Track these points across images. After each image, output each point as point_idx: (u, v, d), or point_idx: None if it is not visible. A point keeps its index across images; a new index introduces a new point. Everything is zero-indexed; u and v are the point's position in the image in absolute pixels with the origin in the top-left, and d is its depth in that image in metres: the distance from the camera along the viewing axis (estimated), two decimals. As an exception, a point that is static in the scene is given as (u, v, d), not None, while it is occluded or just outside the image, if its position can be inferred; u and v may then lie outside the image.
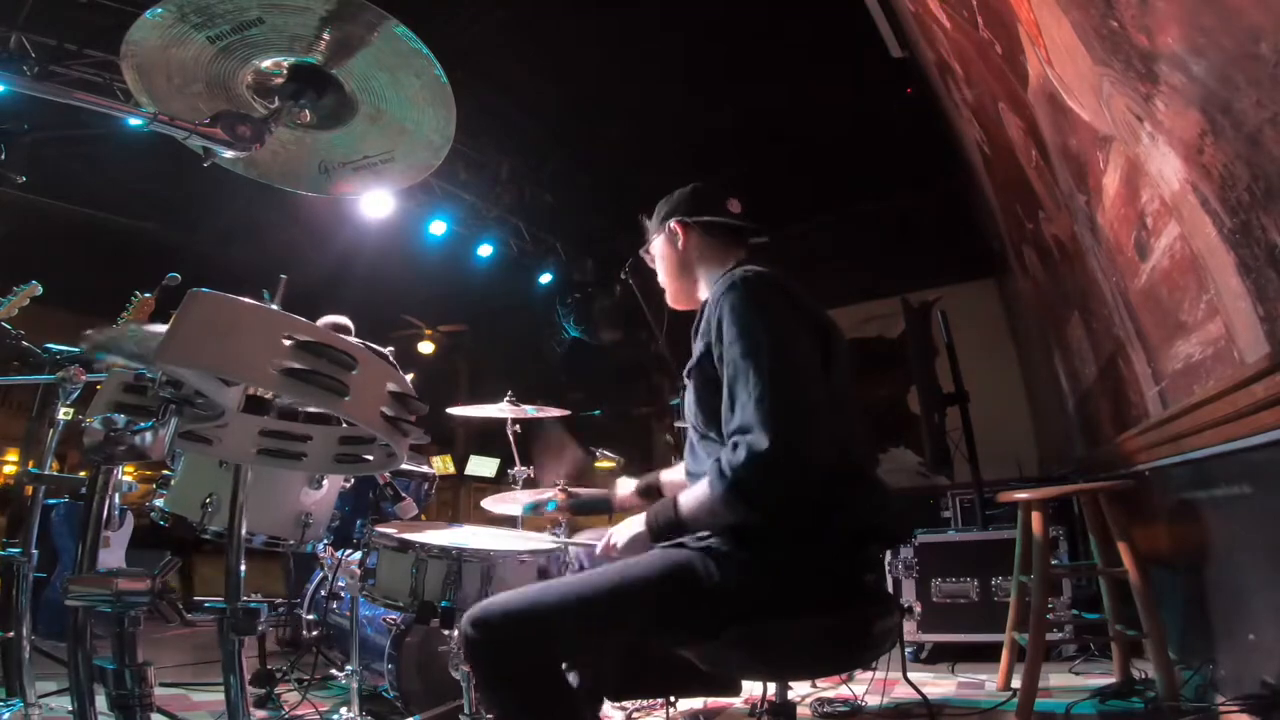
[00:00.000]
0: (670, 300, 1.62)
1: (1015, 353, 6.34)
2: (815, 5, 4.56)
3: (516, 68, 5.50)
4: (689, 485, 1.32)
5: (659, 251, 1.59)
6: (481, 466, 8.98)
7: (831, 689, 2.64)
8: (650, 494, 1.73)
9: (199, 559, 4.64)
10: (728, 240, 1.53)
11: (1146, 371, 2.53)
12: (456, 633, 1.17)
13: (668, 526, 1.27)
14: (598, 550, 1.39)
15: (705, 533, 1.25)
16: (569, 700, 1.22)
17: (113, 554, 3.24)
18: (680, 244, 1.53)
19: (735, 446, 1.17)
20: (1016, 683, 2.38)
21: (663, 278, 1.60)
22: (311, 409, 1.01)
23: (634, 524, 1.35)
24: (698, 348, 1.36)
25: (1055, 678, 2.71)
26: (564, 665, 1.27)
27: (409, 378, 0.95)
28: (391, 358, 3.58)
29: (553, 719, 1.17)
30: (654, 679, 1.56)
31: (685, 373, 1.40)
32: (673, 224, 1.54)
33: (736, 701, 2.39)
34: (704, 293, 1.51)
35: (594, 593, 1.22)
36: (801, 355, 1.25)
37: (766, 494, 1.16)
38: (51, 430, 2.08)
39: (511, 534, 2.18)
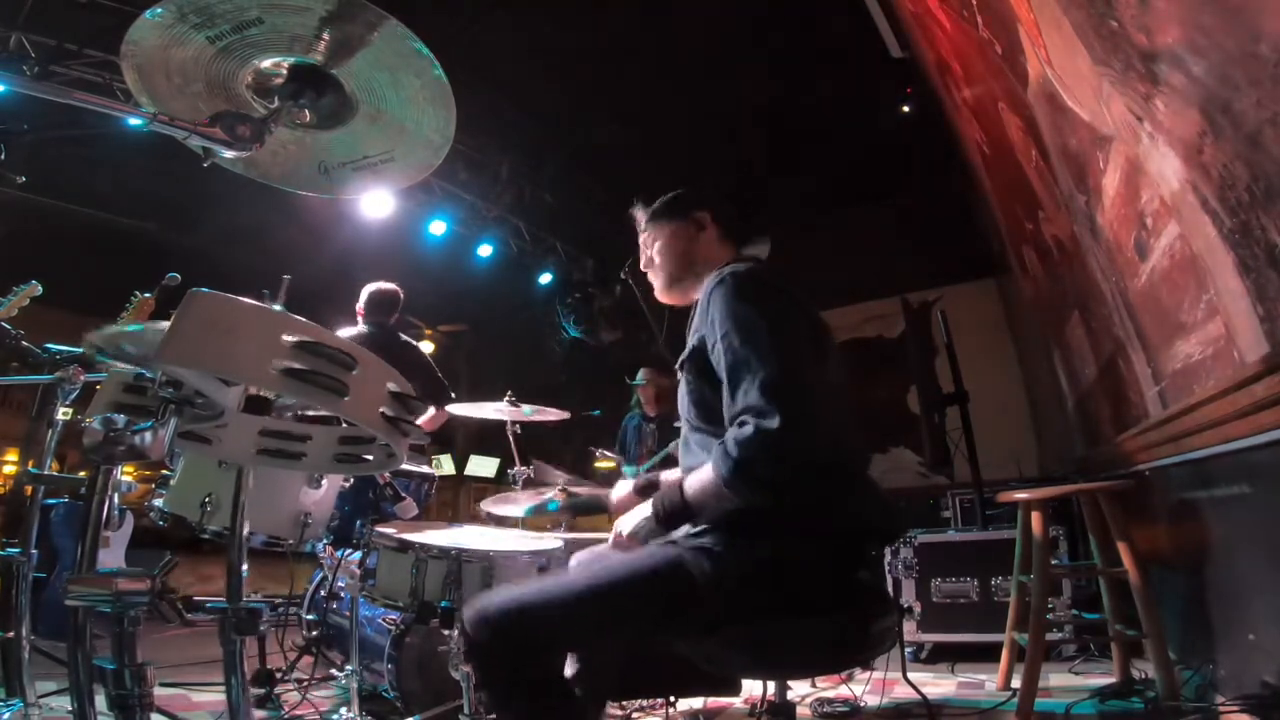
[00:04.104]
0: (660, 292, 1.56)
1: (1015, 353, 6.34)
2: (815, 5, 4.57)
3: (516, 68, 5.50)
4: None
5: (668, 236, 1.53)
6: (481, 466, 8.99)
7: (831, 689, 2.63)
8: (649, 493, 1.72)
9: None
10: (731, 246, 1.53)
11: (1146, 371, 2.53)
12: (456, 632, 1.16)
13: (674, 511, 1.25)
14: (609, 545, 1.38)
15: (697, 530, 1.25)
16: (568, 697, 1.23)
17: (113, 554, 3.24)
18: (702, 237, 1.51)
19: (743, 424, 1.14)
20: (1016, 683, 2.38)
21: (660, 265, 1.54)
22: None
23: (640, 511, 1.33)
24: (692, 341, 1.35)
25: (1055, 678, 2.71)
26: (563, 659, 1.26)
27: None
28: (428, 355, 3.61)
29: (554, 715, 1.17)
30: (654, 679, 1.56)
31: (678, 365, 1.39)
32: (702, 214, 1.51)
33: (736, 701, 2.39)
34: (698, 290, 1.49)
35: (589, 591, 1.21)
36: (799, 341, 1.25)
37: (774, 473, 1.13)
38: (51, 430, 2.07)
39: (512, 534, 2.19)
